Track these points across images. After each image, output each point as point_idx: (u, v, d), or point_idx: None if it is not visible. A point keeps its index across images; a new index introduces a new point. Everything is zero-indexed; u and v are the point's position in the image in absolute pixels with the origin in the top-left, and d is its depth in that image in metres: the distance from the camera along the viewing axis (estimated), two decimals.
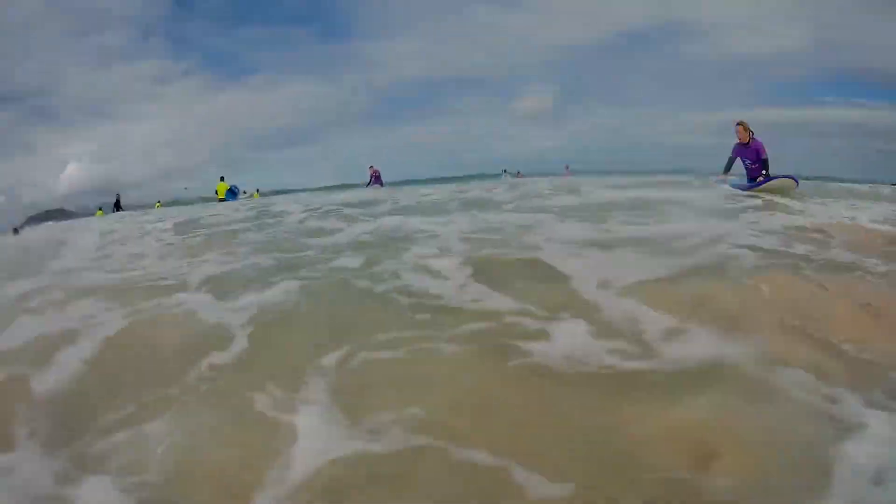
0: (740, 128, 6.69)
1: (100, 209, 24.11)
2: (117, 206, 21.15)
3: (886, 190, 10.22)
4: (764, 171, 6.55)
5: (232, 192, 17.50)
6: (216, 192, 17.48)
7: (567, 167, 26.84)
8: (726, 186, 6.89)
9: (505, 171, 28.03)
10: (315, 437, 1.50)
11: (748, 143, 6.73)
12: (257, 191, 27.65)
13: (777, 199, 5.93)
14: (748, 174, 6.86)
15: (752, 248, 3.15)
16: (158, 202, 29.24)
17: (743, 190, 6.57)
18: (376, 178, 17.87)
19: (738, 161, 6.93)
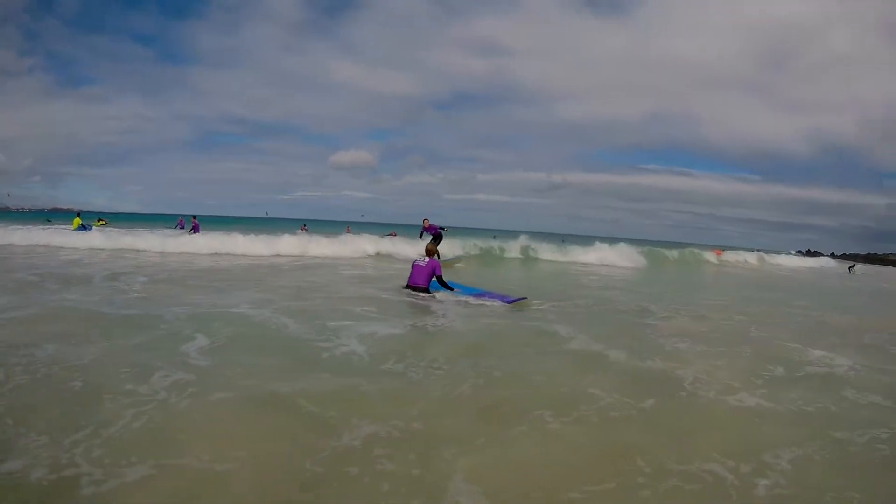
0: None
1: None
2: None
3: None
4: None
5: (83, 227, 19.50)
6: (73, 224, 19.73)
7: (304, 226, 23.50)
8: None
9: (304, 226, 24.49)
10: None
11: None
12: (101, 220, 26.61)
13: None
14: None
15: None
16: None
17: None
18: (194, 228, 19.87)
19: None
